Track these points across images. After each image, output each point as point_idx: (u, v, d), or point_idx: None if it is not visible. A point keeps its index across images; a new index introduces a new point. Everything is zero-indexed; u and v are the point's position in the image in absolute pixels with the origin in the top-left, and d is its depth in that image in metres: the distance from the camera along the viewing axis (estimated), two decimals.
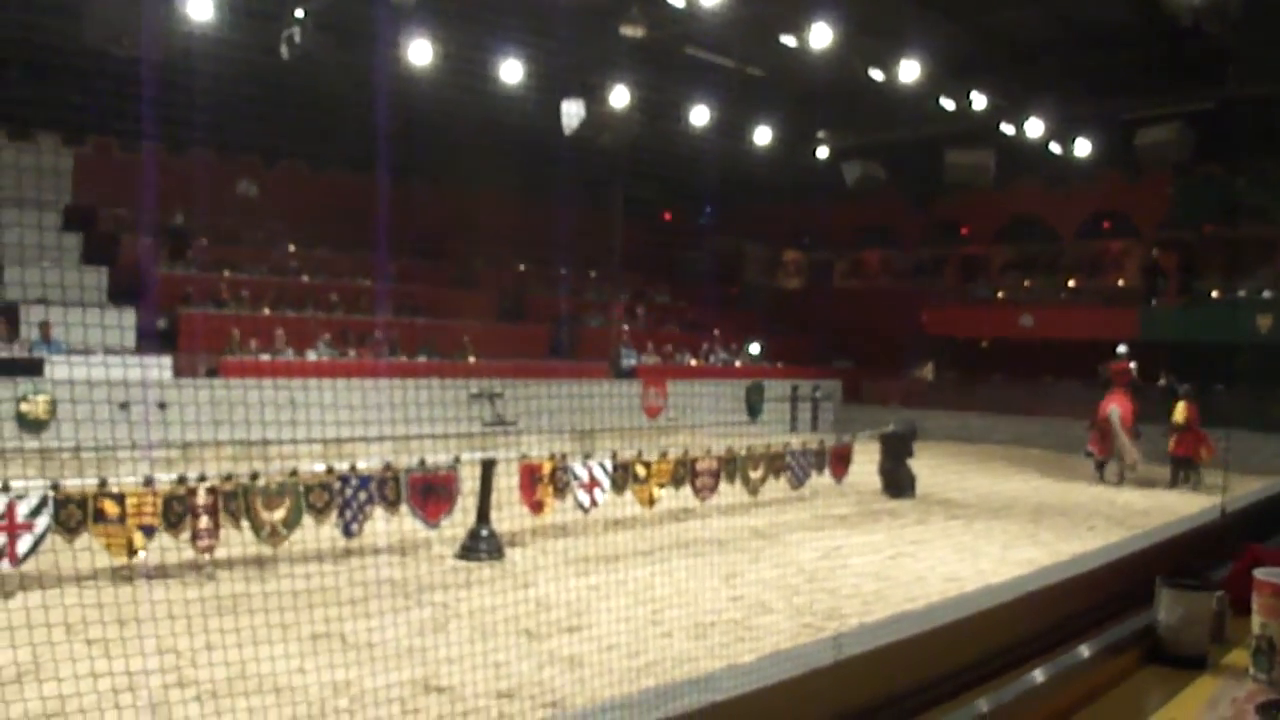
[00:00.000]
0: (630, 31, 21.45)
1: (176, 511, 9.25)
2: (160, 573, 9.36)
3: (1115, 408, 19.72)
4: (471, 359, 25.40)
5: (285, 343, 22.99)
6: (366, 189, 23.98)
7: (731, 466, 14.39)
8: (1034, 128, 25.55)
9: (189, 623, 7.94)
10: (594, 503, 12.48)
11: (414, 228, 28.66)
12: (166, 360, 19.87)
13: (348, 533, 10.31)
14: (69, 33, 20.55)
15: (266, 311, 24.48)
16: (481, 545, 11.16)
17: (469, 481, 11.33)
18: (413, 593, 9.48)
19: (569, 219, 27.51)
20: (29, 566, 8.79)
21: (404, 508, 10.71)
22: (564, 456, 12.50)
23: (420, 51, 22.00)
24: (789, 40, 21.74)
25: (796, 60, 22.44)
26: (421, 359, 24.16)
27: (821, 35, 20.79)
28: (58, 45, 20.94)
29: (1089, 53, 23.01)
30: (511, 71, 22.95)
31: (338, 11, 21.95)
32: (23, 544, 8.60)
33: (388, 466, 10.76)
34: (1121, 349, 20.67)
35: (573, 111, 24.27)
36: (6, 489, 8.64)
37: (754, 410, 27.00)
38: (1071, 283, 31.87)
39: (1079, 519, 15.48)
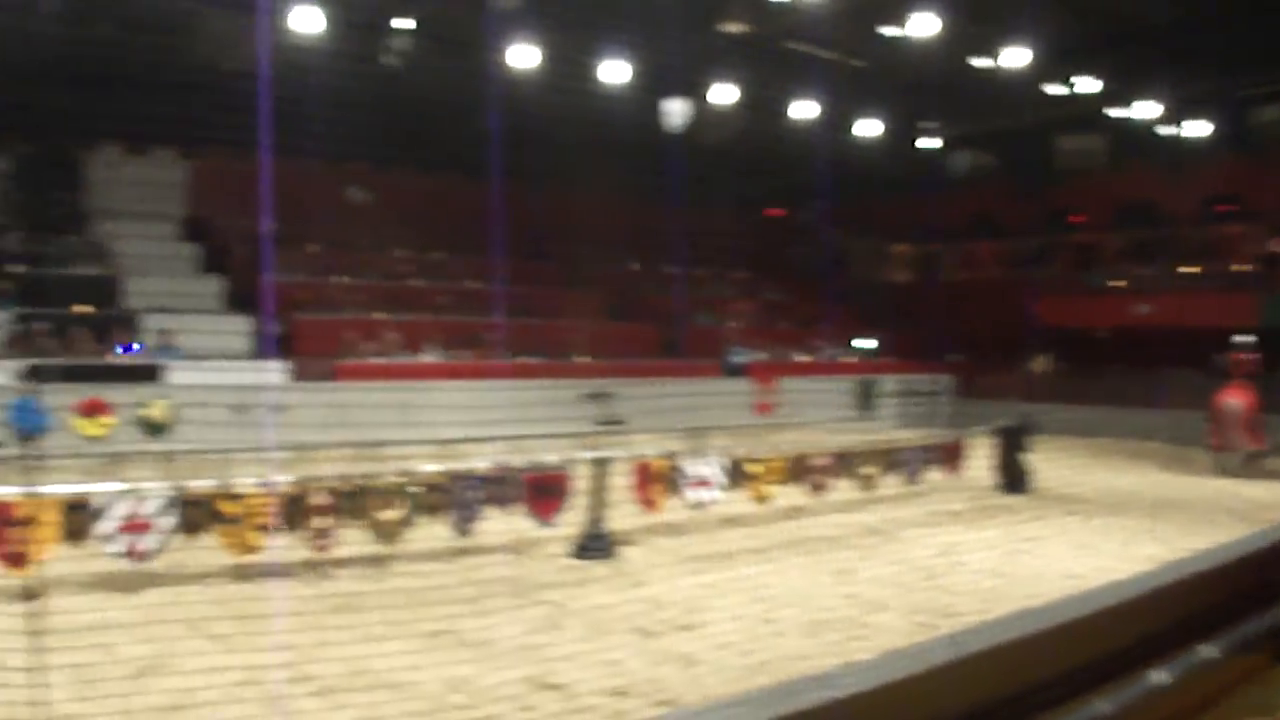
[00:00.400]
0: (731, 28, 21.41)
1: (294, 512, 9.43)
2: (279, 571, 9.52)
3: (1232, 399, 19.19)
4: (582, 359, 25.49)
5: (398, 345, 23.30)
6: (475, 192, 24.19)
7: (844, 463, 14.26)
8: (1146, 110, 24.98)
9: (307, 620, 8.08)
10: (707, 501, 12.44)
11: (523, 229, 28.85)
12: (283, 365, 20.26)
13: (462, 531, 10.40)
14: (181, 49, 21.09)
15: (379, 315, 24.81)
16: (595, 544, 11.17)
17: (582, 480, 11.36)
18: (527, 591, 9.53)
19: (677, 217, 27.51)
20: (154, 565, 9.03)
21: (518, 506, 10.78)
22: (676, 455, 12.50)
23: (524, 55, 22.18)
24: (890, 31, 21.54)
25: (900, 51, 22.24)
26: (533, 360, 24.32)
27: (925, 24, 20.57)
28: (170, 62, 21.52)
29: (1200, 30, 22.40)
30: (615, 72, 23.02)
31: (443, 19, 22.23)
32: (148, 543, 8.84)
33: (501, 466, 10.84)
34: (1245, 339, 20.04)
35: (676, 110, 24.28)
36: (132, 491, 8.88)
37: (866, 406, 26.74)
38: (1189, 269, 31.00)
39: (1200, 514, 15.05)
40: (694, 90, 25.23)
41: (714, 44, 23.36)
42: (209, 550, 9.26)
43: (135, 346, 20.83)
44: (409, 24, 22.50)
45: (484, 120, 20.65)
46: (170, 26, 21.55)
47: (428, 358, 23.29)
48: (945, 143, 29.60)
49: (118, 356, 20.31)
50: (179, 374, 18.94)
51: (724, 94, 24.82)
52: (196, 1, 21.12)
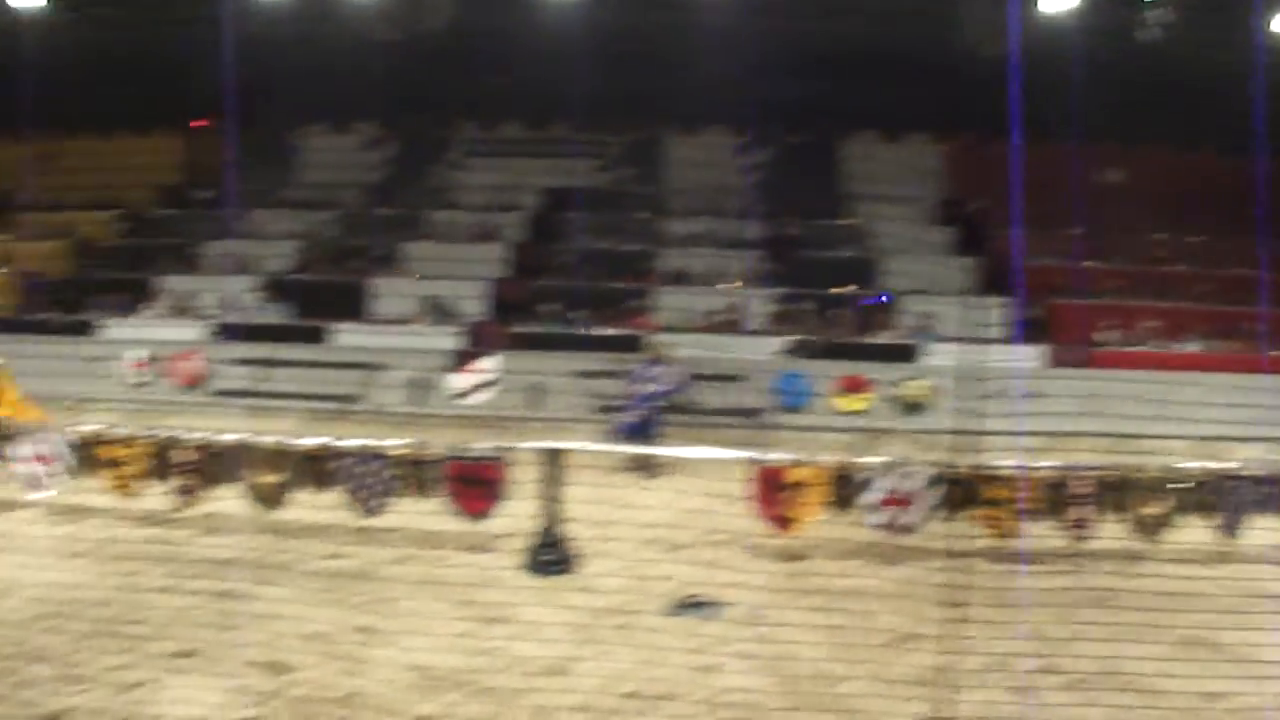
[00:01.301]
0: None
1: (1054, 499, 9.47)
2: (1034, 559, 9.52)
3: None
4: None
5: (1156, 334, 22.41)
6: (1240, 170, 22.68)
7: None
8: None
9: (1058, 611, 8.04)
10: None
11: None
12: (1038, 350, 20.18)
13: (1229, 535, 9.81)
14: (938, 38, 21.68)
15: (1137, 301, 23.97)
16: None
17: None
18: None
19: None
20: (910, 539, 9.44)
21: None
22: None
23: None
24: None
25: None
26: None
27: None
28: (925, 50, 22.21)
29: None
30: None
31: None
32: (909, 517, 9.27)
33: (1275, 468, 10.13)
34: None
35: None
36: (898, 466, 9.34)
37: None
38: None
39: None
40: None
41: None
42: (962, 531, 9.44)
43: (882, 297, 21.80)
44: None
45: (1249, 92, 19.33)
46: (926, 16, 22.24)
47: (1188, 348, 22.13)
48: None
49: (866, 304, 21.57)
50: (935, 356, 19.50)
51: None
52: None
